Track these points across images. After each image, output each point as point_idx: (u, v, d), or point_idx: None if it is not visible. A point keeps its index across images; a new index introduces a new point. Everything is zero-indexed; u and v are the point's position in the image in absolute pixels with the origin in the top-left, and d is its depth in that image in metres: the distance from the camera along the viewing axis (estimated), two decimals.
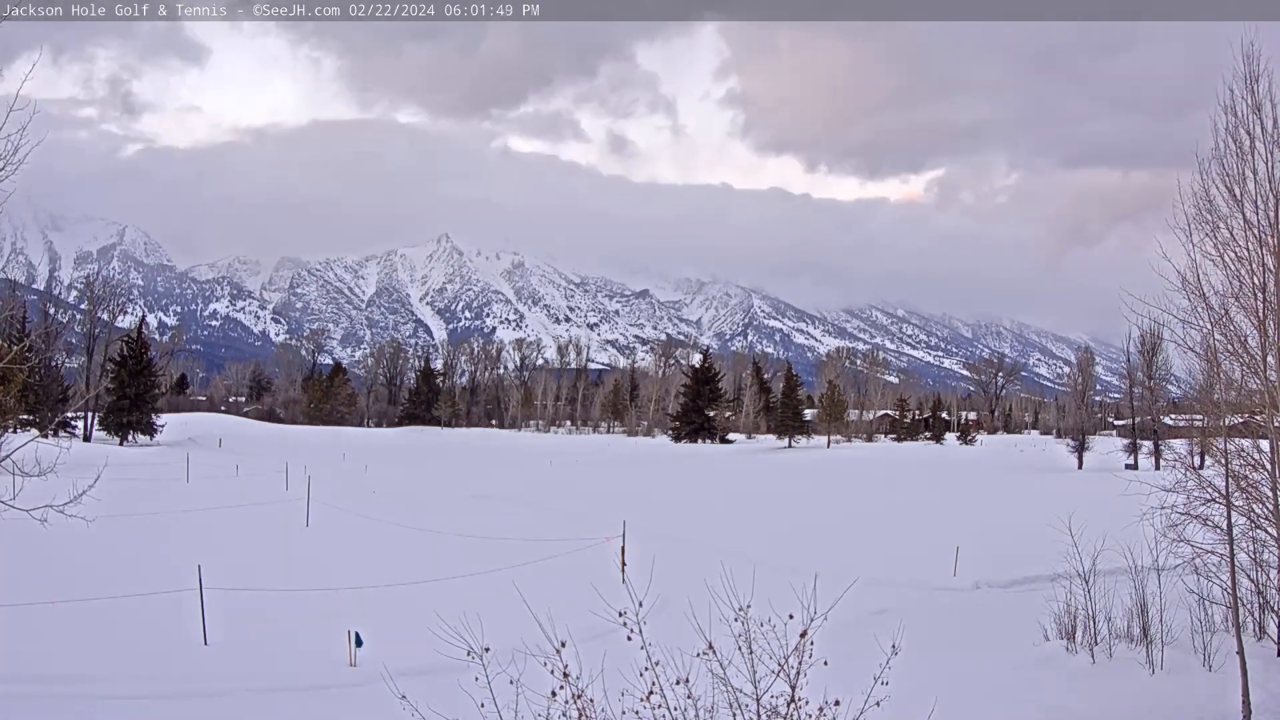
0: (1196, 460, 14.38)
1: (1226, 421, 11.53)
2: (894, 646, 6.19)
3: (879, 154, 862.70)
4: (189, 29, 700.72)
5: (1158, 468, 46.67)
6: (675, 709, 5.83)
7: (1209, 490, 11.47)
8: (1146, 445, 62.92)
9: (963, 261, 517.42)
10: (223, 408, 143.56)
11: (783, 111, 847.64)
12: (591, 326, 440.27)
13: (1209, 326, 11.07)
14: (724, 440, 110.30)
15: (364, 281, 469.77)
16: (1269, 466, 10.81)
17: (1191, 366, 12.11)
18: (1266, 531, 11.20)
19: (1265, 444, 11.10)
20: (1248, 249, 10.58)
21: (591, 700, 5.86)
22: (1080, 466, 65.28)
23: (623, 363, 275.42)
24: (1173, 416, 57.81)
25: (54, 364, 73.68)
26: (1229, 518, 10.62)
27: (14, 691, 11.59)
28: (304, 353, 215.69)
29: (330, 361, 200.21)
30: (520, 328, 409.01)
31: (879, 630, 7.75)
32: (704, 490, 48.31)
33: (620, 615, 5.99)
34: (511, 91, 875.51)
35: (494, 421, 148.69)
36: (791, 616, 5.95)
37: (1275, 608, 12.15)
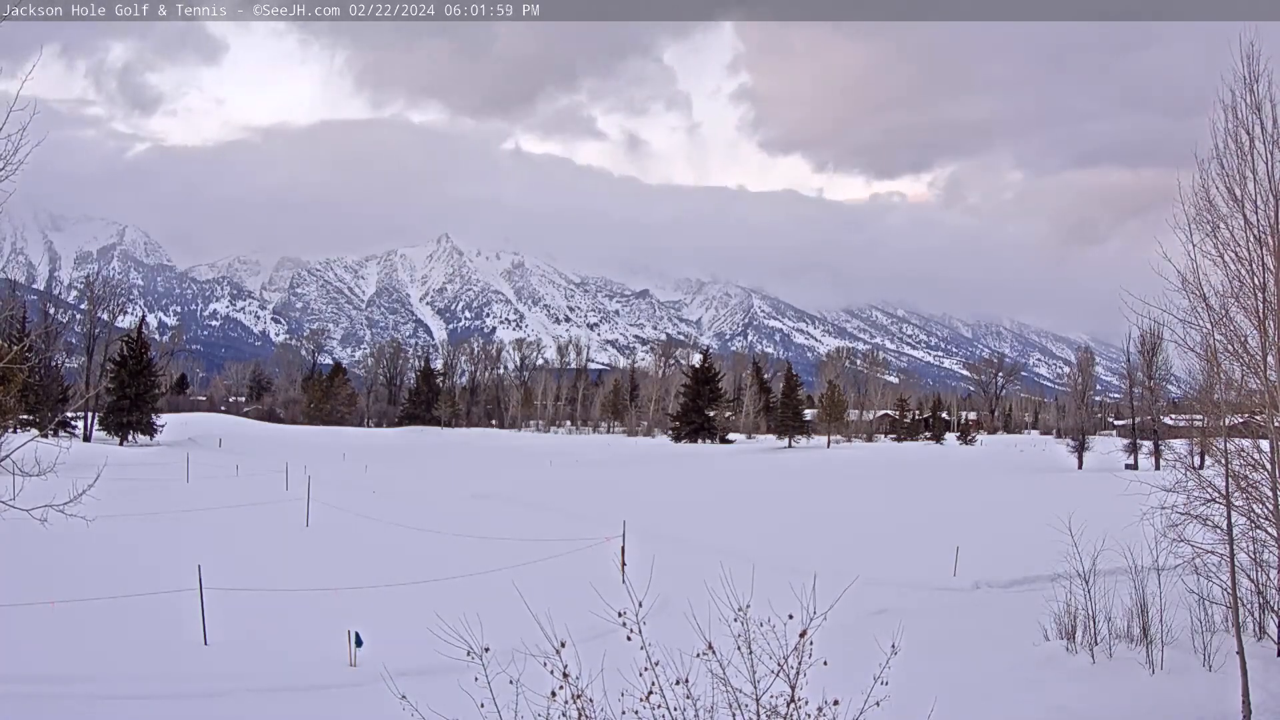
0: (1196, 460, 14.39)
1: (1226, 421, 11.53)
2: (894, 646, 6.19)
3: (886, 153, 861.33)
4: (203, 27, 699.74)
5: (1158, 468, 46.67)
6: (675, 709, 5.83)
7: (1209, 490, 11.47)
8: (1146, 445, 62.91)
9: (964, 261, 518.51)
10: (223, 408, 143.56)
11: (792, 111, 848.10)
12: (591, 326, 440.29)
13: (1209, 326, 11.08)
14: (724, 440, 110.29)
15: (364, 281, 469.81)
16: (1269, 466, 10.81)
17: (1191, 366, 12.12)
18: (1266, 531, 11.20)
19: (1265, 444, 11.10)
20: (1248, 249, 10.58)
21: (591, 700, 5.86)
22: (1080, 466, 65.27)
23: (623, 363, 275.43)
24: (1173, 416, 57.78)
25: (54, 364, 73.70)
26: (1229, 518, 10.62)
27: (14, 691, 11.59)
28: (304, 353, 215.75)
29: (330, 361, 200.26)
30: (520, 328, 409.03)
31: (879, 630, 7.76)
32: (704, 490, 48.31)
33: (620, 615, 5.99)
34: (527, 91, 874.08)
35: (494, 421, 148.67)
36: (791, 616, 5.95)
37: (1275, 608, 12.15)
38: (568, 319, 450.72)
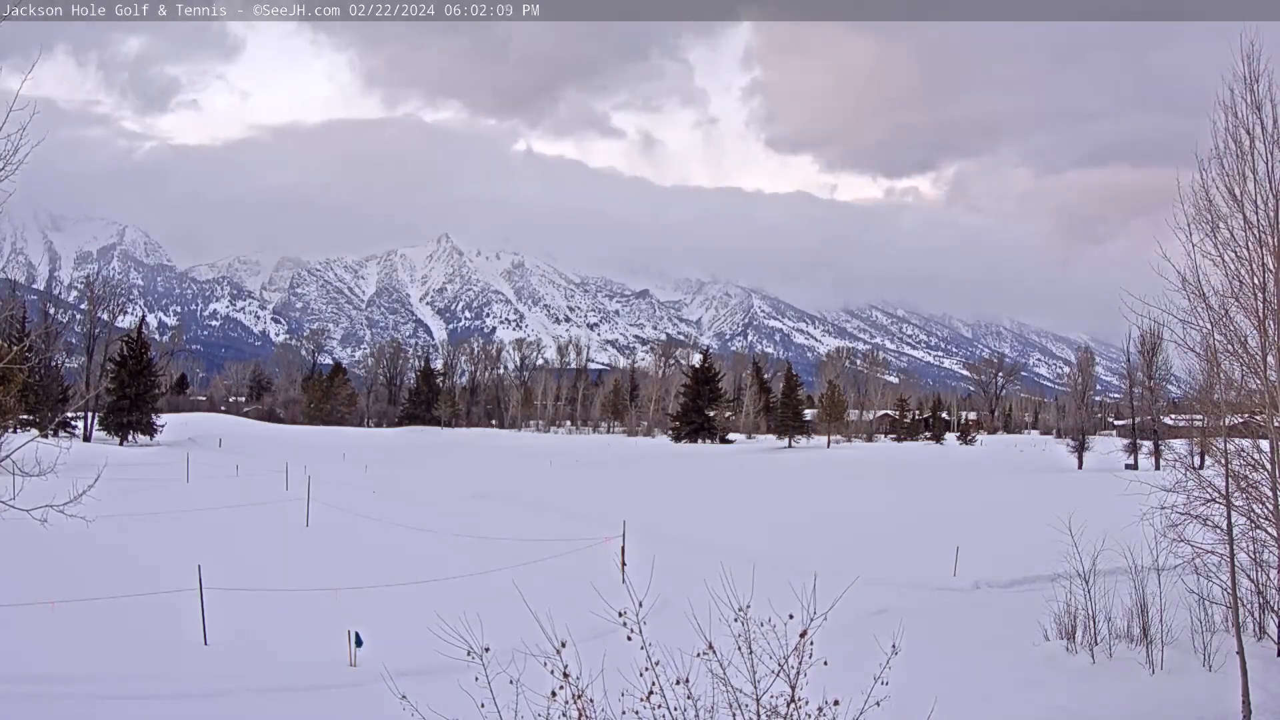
0: (1196, 460, 14.40)
1: (1226, 421, 11.53)
2: (894, 646, 6.19)
3: (894, 153, 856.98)
4: (220, 26, 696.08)
5: (1158, 468, 46.66)
6: (675, 709, 5.83)
7: (1209, 490, 11.47)
8: (1146, 445, 62.91)
9: (965, 261, 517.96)
10: (223, 408, 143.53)
11: (801, 110, 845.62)
12: (591, 326, 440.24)
13: (1209, 326, 11.07)
14: (724, 440, 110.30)
15: (364, 281, 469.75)
16: (1269, 466, 10.81)
17: (1191, 366, 12.12)
18: (1266, 531, 11.20)
19: (1265, 444, 11.09)
20: (1248, 249, 10.57)
21: (591, 700, 5.86)
22: (1080, 466, 65.27)
23: (623, 363, 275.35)
24: (1173, 416, 57.76)
25: (54, 364, 73.69)
26: (1229, 518, 10.62)
27: (14, 691, 11.60)
28: (304, 353, 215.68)
29: (330, 361, 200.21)
30: (520, 328, 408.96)
31: (879, 630, 7.76)
32: (704, 490, 48.31)
33: (620, 615, 5.98)
34: (544, 91, 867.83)
35: (494, 421, 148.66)
36: (791, 616, 5.95)
37: (1275, 608, 12.15)
38: (568, 319, 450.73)
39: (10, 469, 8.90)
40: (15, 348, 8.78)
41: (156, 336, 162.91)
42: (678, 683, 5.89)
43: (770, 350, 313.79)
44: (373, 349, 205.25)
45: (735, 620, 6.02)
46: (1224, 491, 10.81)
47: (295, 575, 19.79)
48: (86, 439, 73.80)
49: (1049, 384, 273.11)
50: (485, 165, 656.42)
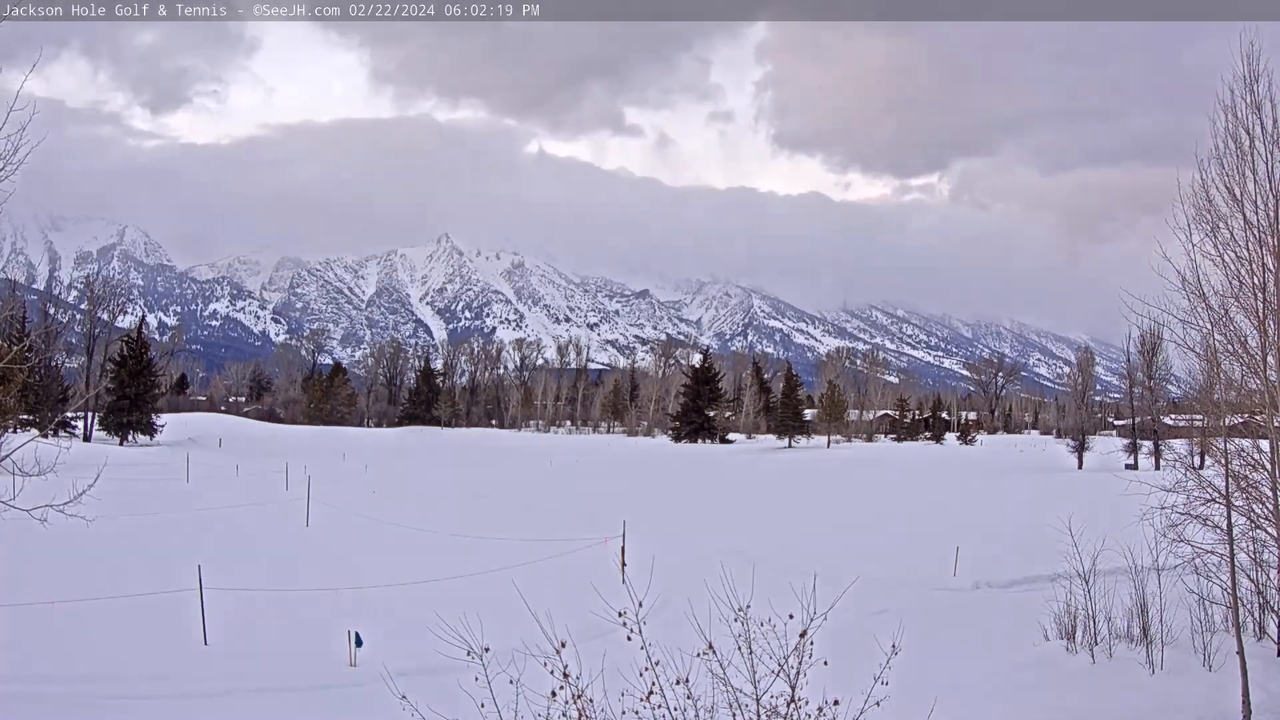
0: (1196, 460, 14.39)
1: (1226, 421, 11.53)
2: (894, 646, 6.19)
3: (902, 152, 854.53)
4: (234, 26, 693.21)
5: (1158, 468, 46.66)
6: (675, 709, 5.82)
7: (1209, 490, 11.47)
8: (1146, 445, 62.90)
9: (967, 261, 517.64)
10: (223, 408, 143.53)
11: (809, 110, 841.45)
12: (591, 326, 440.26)
13: (1209, 326, 11.07)
14: (724, 440, 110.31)
15: (364, 281, 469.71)
16: (1269, 466, 10.81)
17: (1191, 366, 12.11)
18: (1266, 531, 11.20)
19: (1265, 444, 11.09)
20: (1248, 249, 10.57)
21: (591, 700, 5.86)
22: (1080, 466, 65.26)
23: (623, 363, 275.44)
24: (1173, 416, 57.76)
25: (54, 364, 73.68)
26: (1229, 518, 10.61)
27: (14, 691, 11.59)
28: (304, 353, 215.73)
29: (330, 361, 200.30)
30: (520, 328, 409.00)
31: (879, 630, 7.76)
32: (704, 490, 48.32)
33: (620, 615, 5.98)
34: (558, 92, 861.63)
35: (494, 421, 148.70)
36: (791, 616, 5.95)
37: (1275, 608, 12.15)
38: (568, 319, 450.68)
39: (10, 469, 8.91)
40: (15, 348, 8.79)
41: (156, 336, 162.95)
42: (678, 683, 5.89)
43: (770, 350, 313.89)
44: (373, 349, 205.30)
45: (735, 620, 6.02)
46: (1224, 491, 10.81)
47: (295, 575, 19.80)
48: (86, 439, 73.83)
49: (1049, 384, 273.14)
50: (495, 166, 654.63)
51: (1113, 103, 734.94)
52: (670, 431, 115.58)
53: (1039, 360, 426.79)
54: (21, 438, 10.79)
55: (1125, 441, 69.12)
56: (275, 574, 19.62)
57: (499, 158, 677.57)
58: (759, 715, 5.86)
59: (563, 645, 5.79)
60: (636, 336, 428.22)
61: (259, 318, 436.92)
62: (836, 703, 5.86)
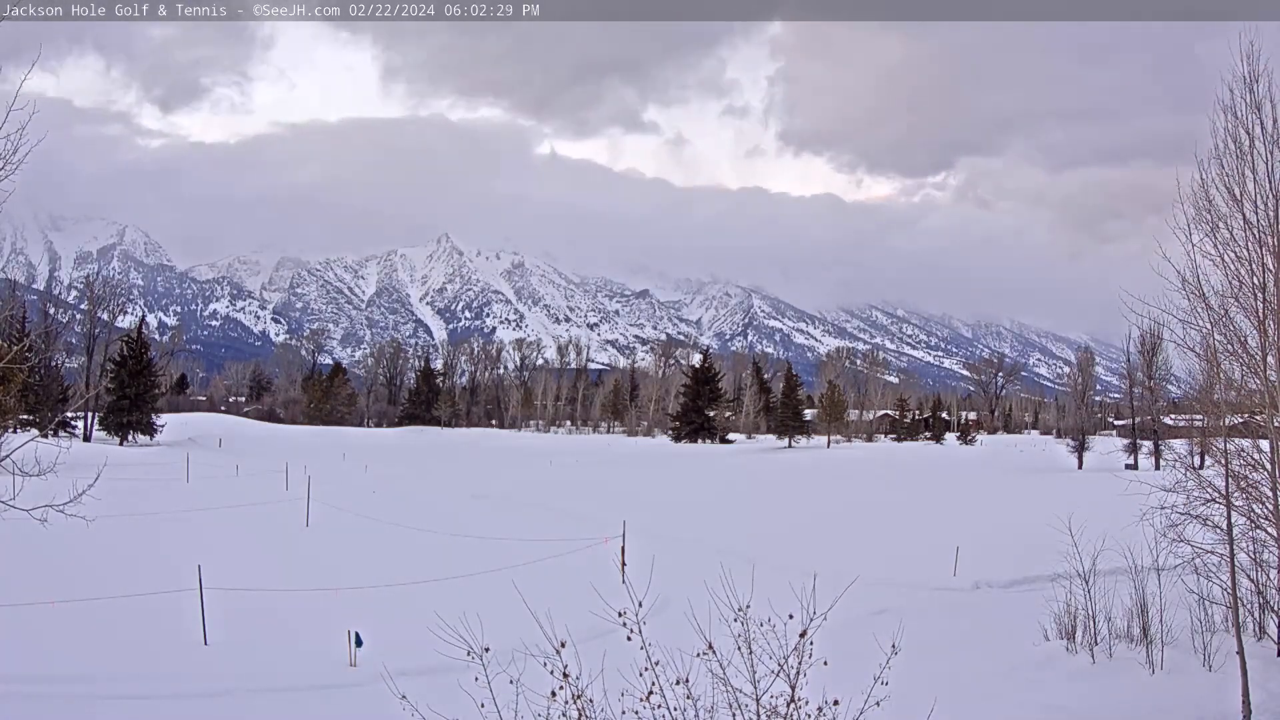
0: (1196, 460, 14.40)
1: (1226, 421, 11.53)
2: (894, 646, 6.19)
3: (915, 152, 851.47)
4: (246, 24, 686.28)
5: (1158, 468, 46.66)
6: (675, 709, 5.82)
7: (1209, 490, 11.47)
8: (1146, 445, 62.92)
9: (968, 261, 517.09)
10: (223, 408, 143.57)
11: (814, 110, 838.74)
12: (591, 326, 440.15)
13: (1209, 326, 11.07)
14: (724, 440, 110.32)
15: (364, 281, 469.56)
16: (1269, 466, 10.81)
17: (1191, 366, 12.11)
18: (1266, 531, 11.20)
19: (1265, 444, 11.09)
20: (1247, 249, 10.57)
21: (591, 700, 5.86)
22: (1080, 466, 65.28)
23: (623, 363, 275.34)
24: (1173, 416, 57.76)
25: (54, 364, 73.68)
26: (1229, 518, 10.62)
27: (14, 691, 11.60)
28: (304, 353, 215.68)
29: (330, 361, 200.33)
30: (520, 328, 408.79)
31: (879, 630, 7.76)
32: (704, 490, 48.31)
33: (620, 615, 5.98)
34: (573, 90, 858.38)
35: (494, 421, 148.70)
36: (791, 616, 5.95)
37: (1275, 608, 12.15)
38: (568, 319, 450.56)
39: (10, 469, 8.90)
40: (15, 348, 8.78)
41: (156, 336, 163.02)
42: (678, 683, 5.89)
43: (770, 350, 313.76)
44: (373, 349, 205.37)
45: (735, 620, 6.02)
46: (1224, 491, 10.81)
47: (295, 575, 19.79)
48: (86, 439, 73.83)
49: (1049, 384, 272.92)
50: (504, 166, 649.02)
51: (1121, 102, 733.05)
52: (670, 431, 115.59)
53: (1039, 360, 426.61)
54: (21, 438, 10.78)
55: (1125, 441, 69.14)
56: (275, 574, 19.61)
57: (509, 158, 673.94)
58: (759, 715, 5.86)
59: (563, 645, 5.79)
60: (636, 336, 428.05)
61: (259, 318, 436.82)
62: (836, 703, 5.87)
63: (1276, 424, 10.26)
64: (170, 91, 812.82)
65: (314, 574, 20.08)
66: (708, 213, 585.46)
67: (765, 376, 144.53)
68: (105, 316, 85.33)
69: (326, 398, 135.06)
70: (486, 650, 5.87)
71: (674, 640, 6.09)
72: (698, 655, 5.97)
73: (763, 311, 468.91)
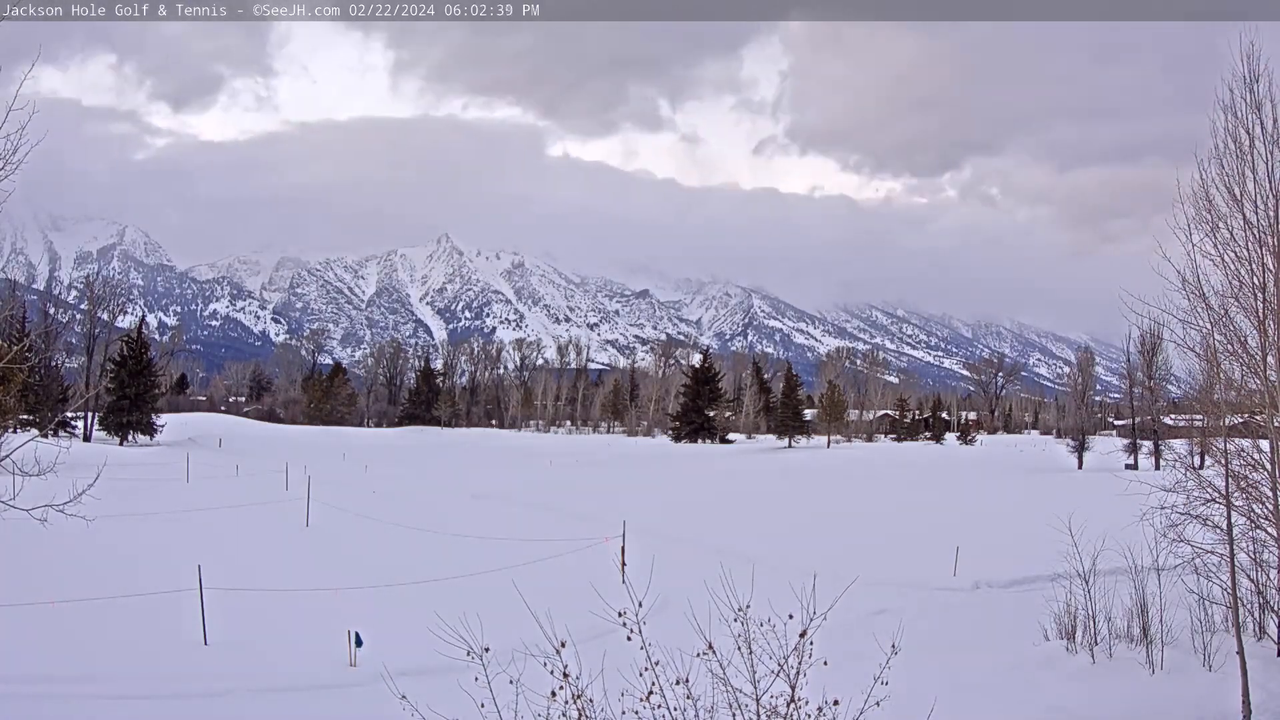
0: (1196, 460, 14.40)
1: (1226, 421, 11.53)
2: (894, 646, 6.20)
3: (925, 153, 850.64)
4: (263, 24, 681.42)
5: (1158, 468, 46.66)
6: (675, 709, 5.83)
7: (1209, 490, 11.47)
8: (1146, 445, 62.91)
9: (969, 260, 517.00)
10: (223, 408, 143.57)
11: (817, 110, 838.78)
12: (591, 326, 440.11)
13: (1209, 326, 11.07)
14: (724, 440, 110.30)
15: (364, 281, 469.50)
16: (1269, 466, 10.81)
17: (1191, 366, 12.12)
18: (1266, 531, 11.20)
19: (1265, 444, 11.09)
20: (1247, 249, 10.57)
21: (591, 700, 5.86)
22: (1080, 467, 65.26)
23: (623, 363, 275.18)
24: (1173, 416, 57.75)
25: (54, 364, 73.67)
26: (1229, 518, 10.62)
27: (14, 691, 11.60)
28: (304, 353, 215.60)
29: (330, 361, 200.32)
30: (520, 328, 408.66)
31: (879, 630, 7.77)
32: (704, 490, 48.31)
33: (620, 615, 5.98)
34: (589, 89, 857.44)
35: (494, 421, 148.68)
36: (791, 616, 5.95)
37: (1275, 608, 12.15)
38: (568, 319, 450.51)
39: (10, 469, 8.90)
40: (15, 348, 8.78)
41: (156, 336, 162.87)
42: (678, 683, 5.89)
43: (770, 350, 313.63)
44: (373, 349, 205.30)
45: (735, 620, 6.02)
46: (1224, 491, 10.81)
47: (295, 575, 19.78)
48: (86, 439, 73.80)
49: (1049, 384, 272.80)
50: (512, 166, 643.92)
51: (1129, 101, 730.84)
52: (670, 431, 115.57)
53: (1039, 360, 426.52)
54: (21, 438, 10.78)
55: (1125, 441, 69.12)
56: (275, 574, 19.60)
57: (520, 159, 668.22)
58: (759, 715, 5.86)
59: (563, 645, 5.80)
60: (636, 336, 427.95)
61: (259, 318, 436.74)
62: (836, 703, 5.87)
63: (1276, 424, 10.26)
64: (181, 89, 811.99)
65: (314, 574, 20.08)
66: (710, 213, 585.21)
67: (765, 376, 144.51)
68: (105, 316, 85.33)
69: (326, 398, 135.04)
70: (486, 650, 5.87)
71: (674, 640, 6.09)
72: (698, 655, 5.98)
73: (763, 311, 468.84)
